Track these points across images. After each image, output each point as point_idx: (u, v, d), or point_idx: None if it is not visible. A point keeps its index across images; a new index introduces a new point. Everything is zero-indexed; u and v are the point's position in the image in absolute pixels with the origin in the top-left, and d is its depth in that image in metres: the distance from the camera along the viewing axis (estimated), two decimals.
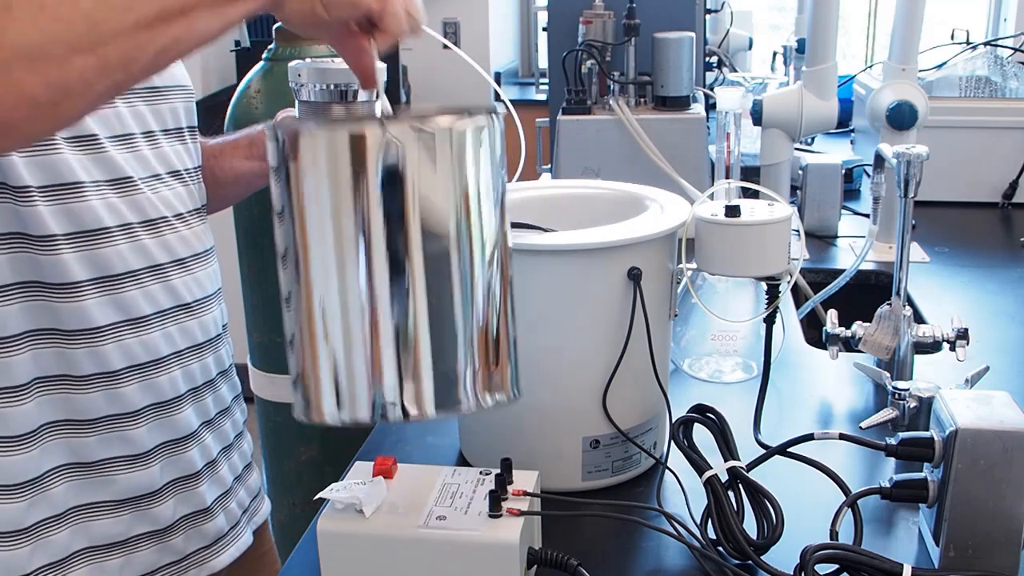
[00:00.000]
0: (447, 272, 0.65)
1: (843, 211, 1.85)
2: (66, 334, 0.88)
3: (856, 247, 1.73)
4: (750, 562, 0.82)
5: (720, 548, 0.84)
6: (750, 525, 0.85)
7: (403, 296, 0.64)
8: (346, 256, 0.64)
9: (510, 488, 0.80)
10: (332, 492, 0.79)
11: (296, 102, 0.98)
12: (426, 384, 0.65)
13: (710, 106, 1.97)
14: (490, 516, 0.78)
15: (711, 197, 1.01)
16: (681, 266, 0.98)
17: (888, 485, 0.85)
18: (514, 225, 0.94)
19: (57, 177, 0.85)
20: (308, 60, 0.98)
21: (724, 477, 0.87)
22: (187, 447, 0.98)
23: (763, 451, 0.92)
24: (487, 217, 0.68)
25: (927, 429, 0.84)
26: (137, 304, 0.91)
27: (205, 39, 0.69)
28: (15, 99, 0.61)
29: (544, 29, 2.14)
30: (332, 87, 0.94)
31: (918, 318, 1.37)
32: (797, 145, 1.83)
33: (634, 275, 0.90)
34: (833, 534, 0.82)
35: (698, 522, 0.87)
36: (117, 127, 0.91)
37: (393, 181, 0.62)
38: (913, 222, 1.09)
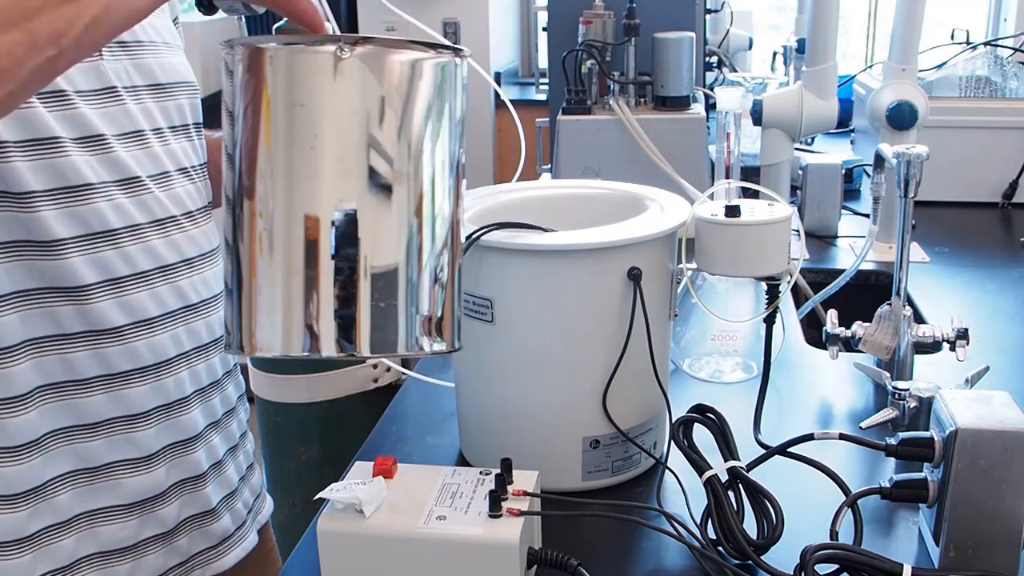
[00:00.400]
0: (393, 205, 0.65)
1: (843, 211, 1.85)
2: (70, 338, 0.87)
3: (856, 247, 1.73)
4: (750, 562, 0.82)
5: (720, 548, 0.84)
6: (750, 525, 0.85)
7: (347, 226, 0.64)
8: (294, 181, 0.64)
9: (510, 488, 0.80)
10: (332, 492, 0.79)
11: None
12: (363, 320, 0.65)
13: (710, 106, 1.97)
14: (490, 516, 0.78)
15: (711, 197, 1.01)
16: (681, 266, 0.98)
17: (888, 485, 0.85)
18: (514, 225, 0.94)
19: (64, 180, 0.84)
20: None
21: (724, 477, 0.87)
22: (193, 448, 0.98)
23: (763, 451, 0.92)
24: (440, 155, 0.68)
25: (927, 429, 0.84)
26: (144, 306, 0.91)
27: (139, 9, 0.68)
28: None
29: (544, 29, 2.13)
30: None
31: (918, 318, 1.37)
32: (797, 145, 1.83)
33: (634, 275, 0.90)
34: (833, 534, 0.82)
35: (698, 522, 0.87)
36: (126, 125, 0.90)
37: (344, 107, 0.63)
38: (913, 222, 1.09)
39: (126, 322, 0.89)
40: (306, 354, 0.66)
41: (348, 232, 0.64)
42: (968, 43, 2.28)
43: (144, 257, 0.90)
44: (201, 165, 1.01)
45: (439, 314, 0.69)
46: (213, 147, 1.07)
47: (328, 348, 0.65)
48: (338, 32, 0.75)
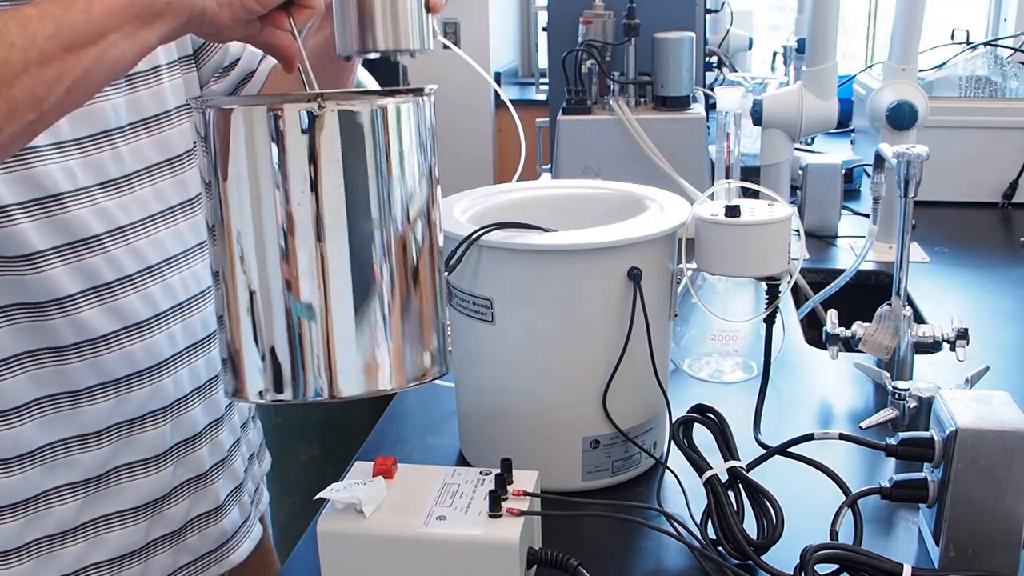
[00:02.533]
0: (368, 251, 0.67)
1: (843, 211, 1.85)
2: (64, 350, 0.85)
3: (856, 247, 1.73)
4: (750, 562, 0.82)
5: (720, 548, 0.84)
6: (750, 525, 0.85)
7: (322, 274, 0.66)
8: (266, 234, 0.66)
9: (510, 488, 0.80)
10: (332, 492, 0.79)
11: None
12: (351, 363, 0.67)
13: (710, 106, 1.97)
14: (490, 516, 0.78)
15: (711, 197, 1.01)
16: (681, 266, 0.98)
17: (888, 485, 0.85)
18: (514, 225, 0.94)
19: (40, 190, 0.81)
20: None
21: (724, 477, 0.87)
22: (198, 446, 0.98)
23: (763, 451, 0.92)
24: (411, 195, 0.69)
25: (927, 429, 0.84)
26: (134, 309, 0.89)
27: (120, 68, 0.67)
28: None
29: (544, 29, 2.14)
30: None
31: (918, 318, 1.37)
32: (797, 145, 1.83)
33: (634, 275, 0.90)
34: (833, 534, 0.82)
35: (698, 522, 0.87)
36: (105, 123, 0.86)
37: (310, 157, 0.64)
38: (913, 222, 1.09)
39: (117, 327, 0.88)
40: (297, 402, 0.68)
41: (324, 282, 0.66)
42: (968, 43, 2.28)
43: (129, 259, 0.88)
44: (189, 151, 0.96)
45: (423, 343, 0.71)
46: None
47: (315, 393, 0.68)
48: (312, 79, 0.75)
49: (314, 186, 0.65)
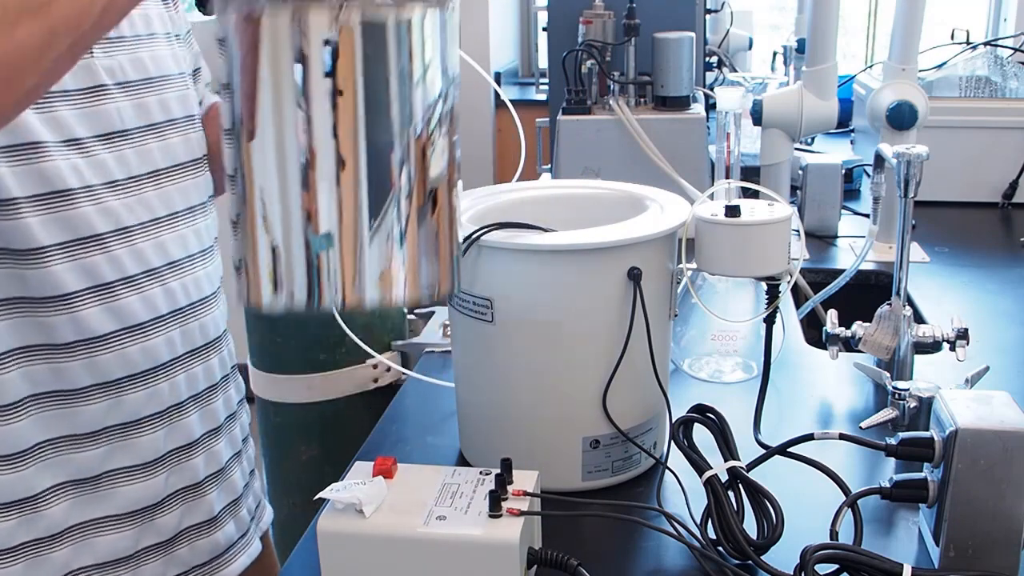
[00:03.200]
0: (387, 160, 0.66)
1: (843, 211, 1.85)
2: (61, 348, 0.85)
3: (856, 247, 1.73)
4: (750, 562, 0.82)
5: (720, 548, 0.84)
6: (750, 525, 0.85)
7: (339, 181, 0.65)
8: (285, 136, 0.64)
9: (510, 488, 0.80)
10: (332, 492, 0.79)
11: None
12: (366, 273, 0.66)
13: (710, 106, 1.97)
14: (490, 516, 0.78)
15: (711, 197, 1.01)
16: (681, 266, 0.98)
17: (888, 485, 0.85)
18: (514, 225, 0.94)
19: (48, 185, 0.82)
20: None
21: (724, 477, 0.87)
22: (193, 454, 0.97)
23: (763, 451, 0.92)
24: (430, 106, 0.69)
25: (927, 429, 0.84)
26: (134, 310, 0.89)
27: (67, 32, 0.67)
28: None
29: (544, 29, 2.13)
30: None
31: (918, 318, 1.37)
32: (797, 145, 1.83)
33: (634, 275, 0.90)
34: (833, 534, 0.82)
35: (698, 522, 0.87)
36: (116, 123, 0.88)
37: (332, 62, 0.64)
38: (913, 222, 1.09)
39: (116, 328, 0.88)
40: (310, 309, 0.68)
41: (340, 187, 0.65)
42: (968, 43, 2.28)
43: (132, 260, 0.88)
44: (194, 161, 0.98)
45: (438, 258, 0.70)
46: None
47: (330, 300, 0.66)
48: None
49: (335, 92, 0.64)
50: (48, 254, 0.83)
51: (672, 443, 0.94)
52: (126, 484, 0.92)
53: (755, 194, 1.03)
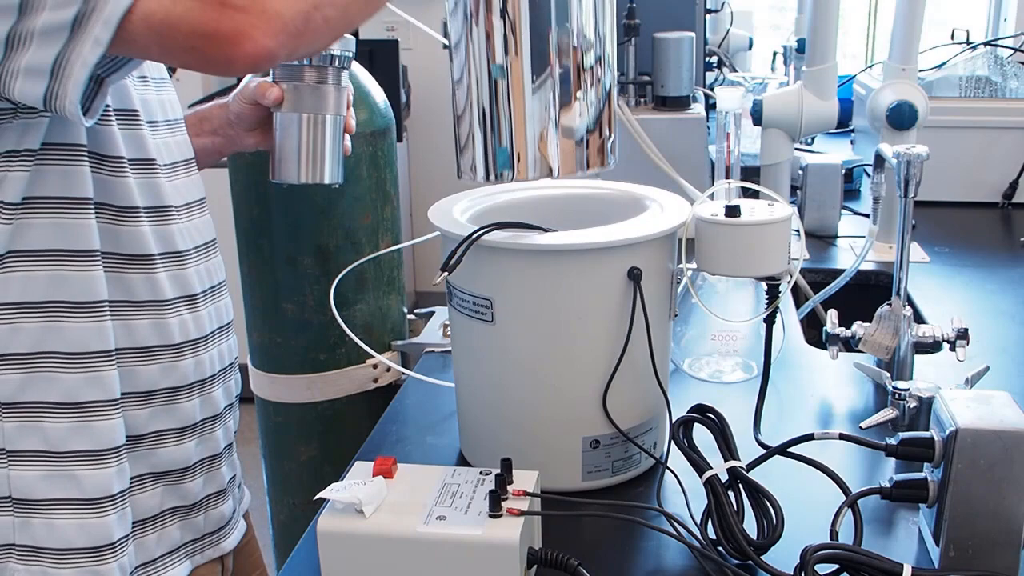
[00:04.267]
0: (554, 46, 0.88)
1: (843, 211, 1.85)
2: (136, 305, 0.90)
3: (856, 247, 1.73)
4: (750, 562, 0.82)
5: (720, 548, 0.84)
6: (750, 525, 0.85)
7: (510, 68, 0.88)
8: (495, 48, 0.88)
9: (510, 488, 0.80)
10: (332, 492, 0.79)
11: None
12: (529, 150, 0.90)
13: (710, 106, 1.97)
14: (490, 516, 0.78)
15: (711, 197, 1.01)
16: (681, 266, 0.98)
17: (888, 485, 0.85)
18: (514, 225, 0.94)
19: (142, 151, 0.90)
20: None
21: (724, 477, 0.87)
22: (215, 426, 1.00)
23: (763, 451, 0.93)
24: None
25: (927, 429, 0.84)
26: (191, 281, 0.95)
27: None
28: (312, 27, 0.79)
29: None
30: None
31: (918, 318, 1.37)
32: (797, 145, 1.83)
33: (634, 275, 0.90)
34: (833, 534, 0.82)
35: (698, 522, 0.87)
36: (162, 113, 0.96)
37: None
38: (913, 222, 1.09)
39: (177, 295, 0.93)
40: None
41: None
42: (968, 43, 2.28)
43: (190, 235, 0.96)
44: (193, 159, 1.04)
45: (599, 135, 0.95)
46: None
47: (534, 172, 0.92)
48: None
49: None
50: (139, 215, 0.89)
51: (672, 443, 0.94)
52: (164, 446, 0.94)
53: (755, 194, 1.03)
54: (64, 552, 0.86)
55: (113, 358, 0.88)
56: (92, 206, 0.85)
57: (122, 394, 0.89)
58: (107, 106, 0.86)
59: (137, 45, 0.76)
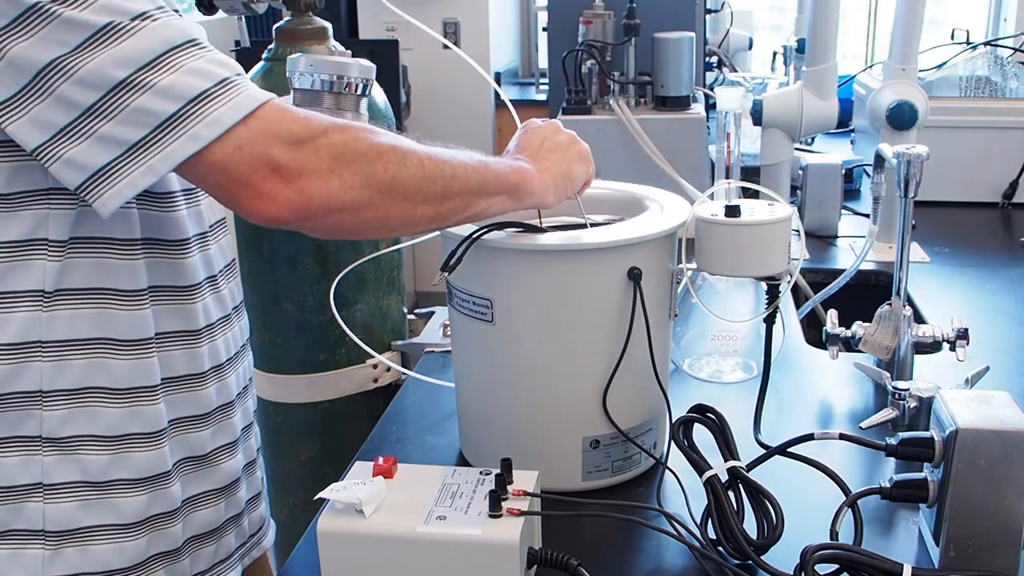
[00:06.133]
0: None
1: (843, 211, 1.85)
2: (191, 334, 0.90)
3: (856, 247, 1.73)
4: (750, 562, 0.82)
5: (720, 548, 0.84)
6: (750, 525, 0.85)
7: None
8: None
9: (510, 488, 0.80)
10: (332, 492, 0.79)
11: (291, 90, 1.01)
12: None
13: (710, 106, 1.97)
14: (490, 516, 0.78)
15: (711, 197, 1.01)
16: (681, 266, 0.98)
17: (888, 485, 0.85)
18: (514, 225, 0.94)
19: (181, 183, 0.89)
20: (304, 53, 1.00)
21: (724, 477, 0.87)
22: (250, 434, 1.01)
23: (763, 451, 0.93)
24: None
25: (927, 429, 0.84)
26: (226, 300, 0.95)
27: (482, 218, 0.89)
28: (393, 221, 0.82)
29: (544, 29, 2.14)
30: (324, 78, 0.99)
31: (918, 318, 1.37)
32: (797, 145, 1.83)
33: (634, 275, 0.90)
34: (833, 534, 0.82)
35: (698, 522, 0.87)
36: None
37: None
38: (913, 222, 1.09)
39: (221, 315, 0.93)
40: None
41: None
42: (968, 43, 2.28)
43: (225, 253, 0.96)
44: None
45: None
46: None
47: None
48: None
49: None
50: (191, 245, 0.89)
51: (672, 443, 0.94)
52: (224, 461, 0.95)
53: (755, 194, 1.03)
54: (99, 575, 0.86)
55: (160, 391, 0.87)
56: (140, 245, 0.85)
57: (186, 416, 0.90)
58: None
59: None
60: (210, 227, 0.94)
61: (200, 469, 0.92)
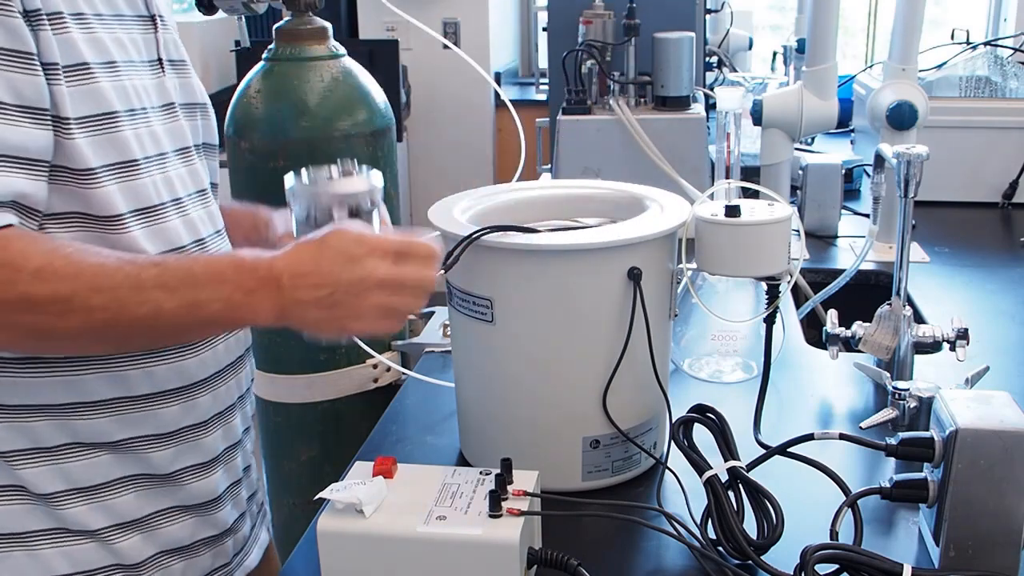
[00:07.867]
0: None
1: (843, 211, 1.85)
2: (150, 354, 0.91)
3: (856, 247, 1.73)
4: (750, 562, 0.82)
5: (720, 548, 0.84)
6: (750, 525, 0.85)
7: None
8: None
9: (510, 488, 0.80)
10: (332, 492, 0.79)
11: (290, 211, 0.96)
12: None
13: (710, 106, 1.97)
14: (490, 516, 0.78)
15: (711, 197, 1.01)
16: (681, 266, 0.98)
17: (888, 485, 0.85)
18: (512, 228, 0.94)
19: (123, 155, 0.87)
20: (304, 176, 0.94)
21: (724, 477, 0.87)
22: (235, 453, 1.02)
23: (763, 451, 0.93)
24: None
25: (927, 429, 0.84)
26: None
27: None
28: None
29: (544, 29, 2.14)
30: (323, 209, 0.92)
31: (918, 318, 1.37)
32: (797, 145, 1.83)
33: (634, 275, 0.90)
34: (833, 534, 0.82)
35: (698, 522, 0.87)
36: (180, 141, 0.95)
37: None
38: (913, 222, 1.09)
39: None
40: None
41: None
42: (968, 43, 2.28)
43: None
44: (214, 186, 1.04)
45: None
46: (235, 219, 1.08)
47: None
48: None
49: None
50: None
51: (672, 443, 0.94)
52: (192, 481, 0.96)
53: (755, 194, 1.03)
54: None
55: (101, 408, 0.89)
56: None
57: (146, 435, 0.91)
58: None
59: None
60: (207, 236, 0.95)
61: (161, 487, 0.93)
